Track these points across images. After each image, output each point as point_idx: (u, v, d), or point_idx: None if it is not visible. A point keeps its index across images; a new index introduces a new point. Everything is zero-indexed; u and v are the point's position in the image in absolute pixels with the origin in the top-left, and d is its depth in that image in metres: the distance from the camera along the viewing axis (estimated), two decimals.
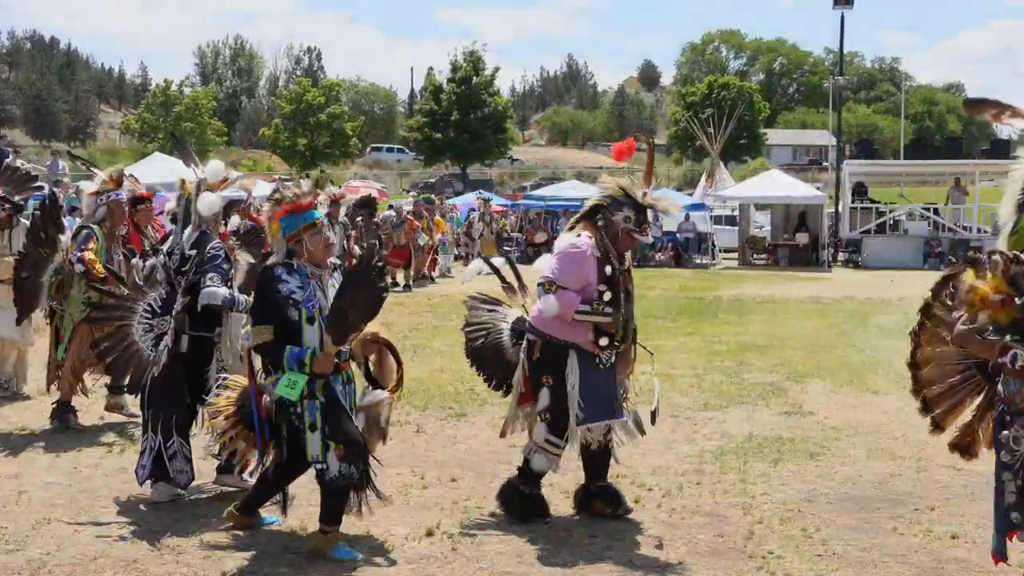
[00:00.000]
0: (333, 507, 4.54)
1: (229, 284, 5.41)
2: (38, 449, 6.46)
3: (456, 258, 24.01)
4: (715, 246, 29.08)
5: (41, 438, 6.74)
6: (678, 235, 27.99)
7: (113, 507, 5.27)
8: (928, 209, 27.57)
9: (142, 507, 5.28)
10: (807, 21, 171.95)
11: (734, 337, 11.89)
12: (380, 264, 4.70)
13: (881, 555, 4.66)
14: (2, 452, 6.38)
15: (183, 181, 5.77)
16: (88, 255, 6.65)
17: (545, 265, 5.10)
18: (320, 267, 4.62)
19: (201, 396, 5.30)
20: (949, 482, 5.85)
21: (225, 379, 4.94)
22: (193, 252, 5.37)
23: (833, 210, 29.43)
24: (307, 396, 4.45)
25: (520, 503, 5.11)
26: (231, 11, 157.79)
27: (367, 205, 16.33)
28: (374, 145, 72.13)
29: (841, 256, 28.10)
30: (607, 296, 4.98)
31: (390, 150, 70.89)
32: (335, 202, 13.66)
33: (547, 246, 27.41)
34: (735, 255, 28.74)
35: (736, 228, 29.25)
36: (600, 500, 5.17)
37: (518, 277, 5.65)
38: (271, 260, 4.69)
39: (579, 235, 5.10)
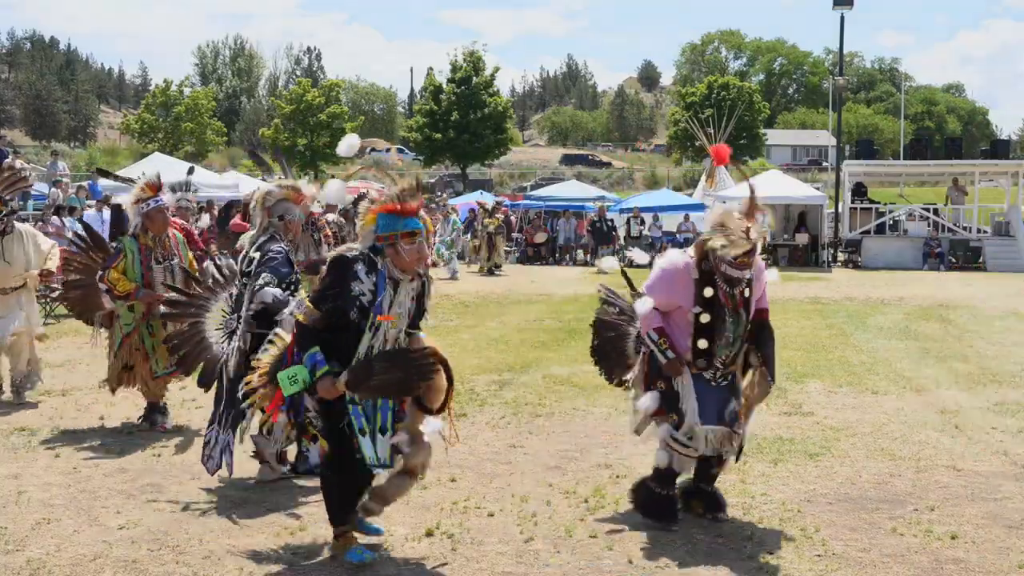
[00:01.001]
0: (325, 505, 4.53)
1: (287, 285, 5.42)
2: (38, 449, 6.46)
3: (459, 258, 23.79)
4: None
5: (41, 438, 6.75)
6: (678, 236, 27.99)
7: (113, 507, 5.27)
8: (928, 209, 27.58)
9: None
10: (807, 21, 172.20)
11: None
12: (434, 362, 4.48)
13: (881, 555, 4.66)
14: (2, 452, 6.39)
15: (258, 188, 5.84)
16: (112, 274, 6.79)
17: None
18: (405, 273, 4.40)
19: None
20: (949, 482, 5.86)
21: (276, 334, 4.75)
22: (257, 254, 5.45)
23: (833, 210, 29.44)
24: (349, 401, 4.32)
25: (652, 503, 5.05)
26: (231, 11, 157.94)
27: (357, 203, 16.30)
28: (374, 146, 72.17)
29: (841, 256, 28.12)
30: (704, 319, 4.88)
31: (389, 150, 70.89)
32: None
33: (546, 246, 27.60)
34: None
35: None
36: (698, 500, 5.18)
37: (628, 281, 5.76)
38: (353, 248, 4.41)
39: (685, 251, 5.08)
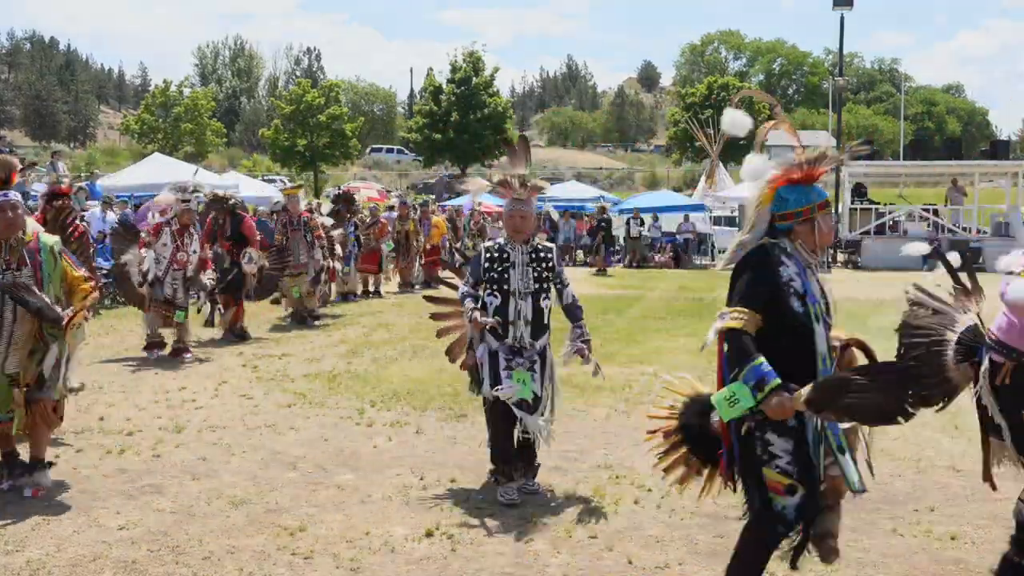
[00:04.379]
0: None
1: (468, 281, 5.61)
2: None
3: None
4: (715, 247, 29.10)
5: None
6: (677, 236, 28.02)
7: (113, 507, 5.27)
8: (927, 210, 27.59)
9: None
10: (807, 22, 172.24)
11: None
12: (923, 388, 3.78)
13: (881, 556, 4.66)
14: None
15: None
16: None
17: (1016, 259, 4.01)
18: (816, 253, 3.73)
19: None
20: (949, 483, 5.86)
21: (665, 379, 4.18)
22: None
23: (833, 211, 29.42)
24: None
25: None
26: (230, 11, 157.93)
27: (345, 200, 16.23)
28: (374, 146, 72.19)
29: (841, 257, 28.12)
30: None
31: (390, 151, 70.95)
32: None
33: None
34: None
35: (736, 229, 29.25)
36: None
37: (972, 277, 4.34)
38: (750, 235, 3.73)
39: None
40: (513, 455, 5.45)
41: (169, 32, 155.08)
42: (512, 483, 5.46)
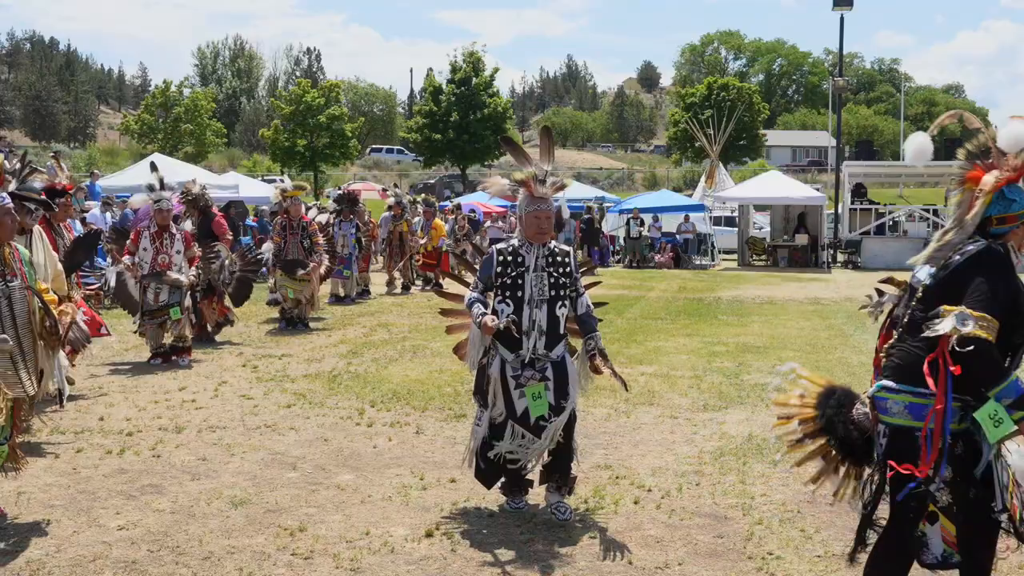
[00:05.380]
0: None
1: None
2: (38, 450, 6.45)
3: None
4: (714, 247, 29.11)
5: (41, 439, 6.74)
6: (677, 236, 28.02)
7: (113, 508, 5.27)
8: (928, 210, 27.60)
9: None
10: (807, 22, 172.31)
11: (733, 338, 11.89)
12: None
13: None
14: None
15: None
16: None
17: None
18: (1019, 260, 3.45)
19: None
20: None
21: (792, 368, 4.06)
22: None
23: (833, 211, 29.45)
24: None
25: None
26: (230, 11, 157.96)
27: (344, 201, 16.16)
28: (374, 146, 72.22)
29: (840, 257, 28.13)
30: None
31: (389, 151, 70.97)
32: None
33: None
34: (734, 256, 28.79)
35: (735, 229, 29.28)
36: None
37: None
38: (958, 234, 3.53)
39: None
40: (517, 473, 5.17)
41: (169, 32, 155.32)
42: (518, 496, 5.28)
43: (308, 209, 14.79)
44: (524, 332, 4.93)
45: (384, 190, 18.84)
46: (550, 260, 5.02)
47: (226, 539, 4.81)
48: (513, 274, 4.98)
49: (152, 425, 7.17)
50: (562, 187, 5.17)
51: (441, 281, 17.06)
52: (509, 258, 5.01)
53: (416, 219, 18.72)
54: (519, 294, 4.97)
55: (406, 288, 18.14)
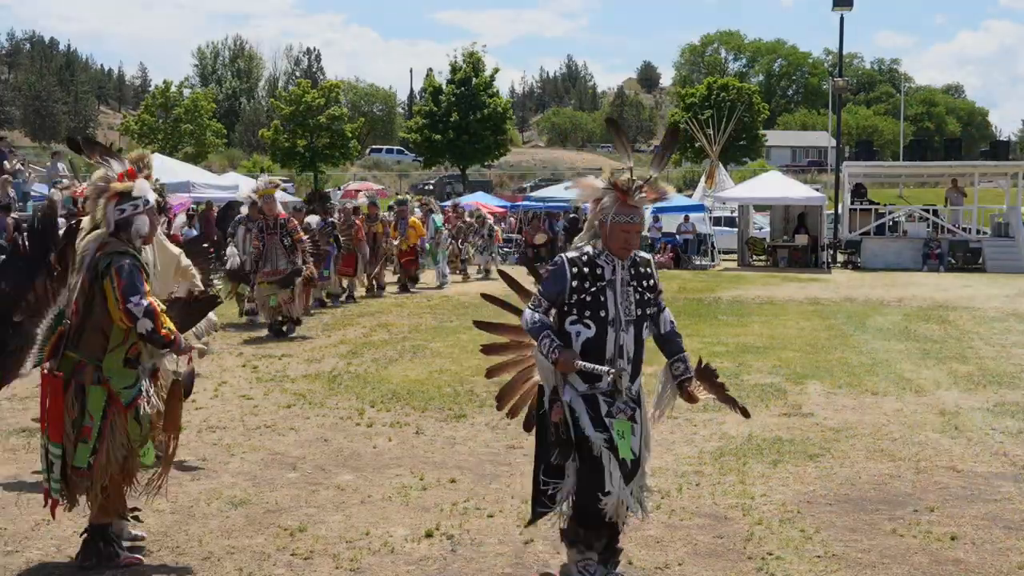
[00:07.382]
0: None
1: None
2: (38, 450, 6.44)
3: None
4: (714, 247, 29.11)
5: (41, 439, 6.73)
6: (677, 237, 28.02)
7: None
8: (927, 210, 27.60)
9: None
10: (806, 22, 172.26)
11: (733, 338, 11.89)
12: None
13: (880, 556, 4.66)
14: (2, 453, 6.38)
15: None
16: (154, 302, 4.40)
17: None
18: None
19: None
20: (948, 483, 5.86)
21: None
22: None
23: (832, 211, 29.46)
24: None
25: None
26: (230, 12, 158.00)
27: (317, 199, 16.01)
28: (374, 147, 72.21)
29: (840, 257, 28.14)
30: None
31: (389, 151, 70.97)
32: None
33: (547, 247, 27.56)
34: (734, 256, 28.79)
35: (735, 229, 29.29)
36: None
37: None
38: None
39: None
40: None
41: (169, 32, 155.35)
42: (592, 552, 4.11)
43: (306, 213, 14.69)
44: (608, 359, 4.04)
45: (369, 198, 18.37)
46: (633, 272, 4.14)
47: (226, 539, 4.81)
48: (593, 289, 4.05)
49: None
50: (660, 198, 4.34)
51: (352, 292, 16.49)
52: (585, 269, 4.06)
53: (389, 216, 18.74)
54: (601, 313, 4.04)
55: (381, 289, 17.78)
